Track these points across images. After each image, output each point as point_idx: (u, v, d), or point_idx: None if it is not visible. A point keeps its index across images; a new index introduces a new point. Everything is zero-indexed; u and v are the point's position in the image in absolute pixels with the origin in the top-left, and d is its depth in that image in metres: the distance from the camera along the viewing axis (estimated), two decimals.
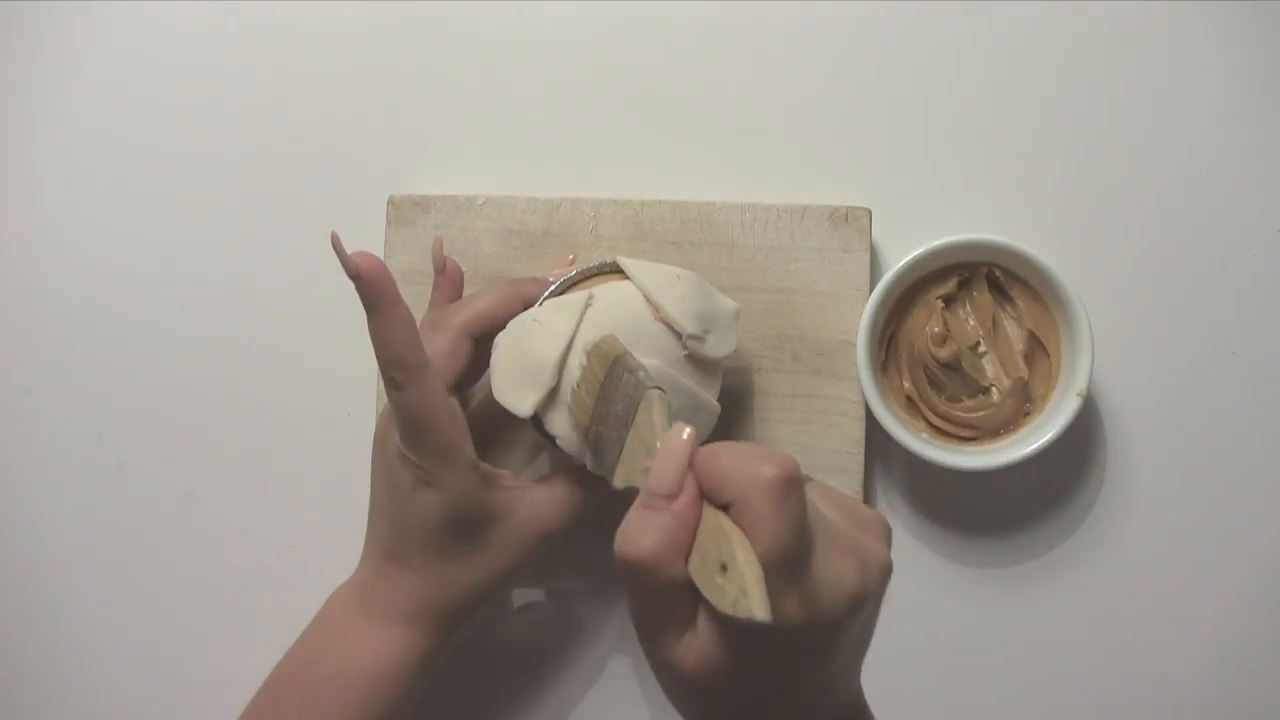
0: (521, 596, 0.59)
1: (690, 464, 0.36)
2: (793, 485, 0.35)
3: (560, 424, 0.49)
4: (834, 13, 0.60)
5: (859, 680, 0.41)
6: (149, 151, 0.61)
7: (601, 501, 0.51)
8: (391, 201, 0.57)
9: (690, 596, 0.36)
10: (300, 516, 0.59)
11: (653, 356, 0.49)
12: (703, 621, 0.36)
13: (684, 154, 0.60)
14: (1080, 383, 0.53)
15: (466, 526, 0.48)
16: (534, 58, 0.60)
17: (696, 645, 0.36)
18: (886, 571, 0.37)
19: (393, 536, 0.49)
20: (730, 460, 0.36)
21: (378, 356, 0.46)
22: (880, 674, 0.58)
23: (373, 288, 0.45)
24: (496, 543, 0.48)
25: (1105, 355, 0.56)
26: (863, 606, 0.36)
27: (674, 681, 0.37)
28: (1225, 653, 0.57)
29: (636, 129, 0.60)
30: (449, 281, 0.53)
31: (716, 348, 0.50)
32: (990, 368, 0.56)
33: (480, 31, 0.60)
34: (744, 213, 0.56)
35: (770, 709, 0.37)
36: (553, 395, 0.49)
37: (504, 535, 0.48)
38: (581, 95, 0.60)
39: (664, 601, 0.36)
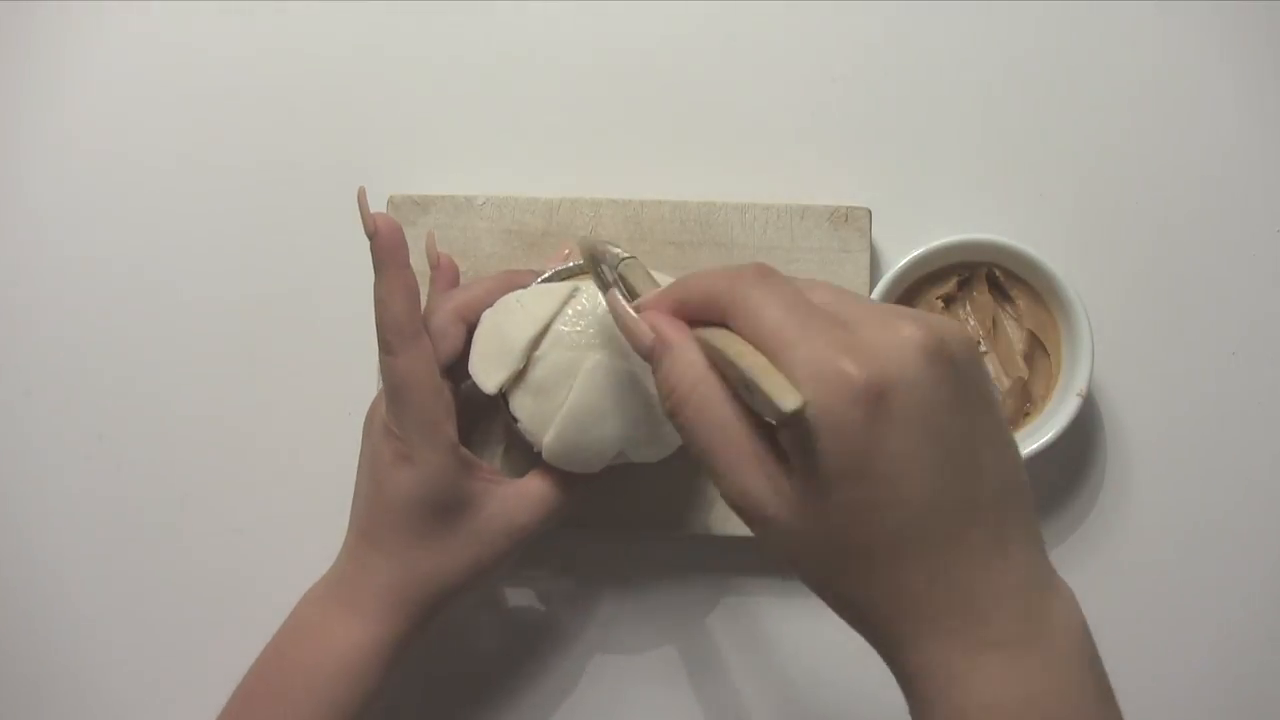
0: (505, 597, 0.59)
1: (677, 306, 0.38)
2: (764, 273, 0.35)
3: (523, 407, 0.50)
4: (834, 13, 0.60)
5: (1014, 469, 0.36)
6: (148, 153, 0.61)
7: (578, 503, 0.52)
8: (391, 201, 0.57)
9: (756, 437, 0.35)
10: (298, 517, 0.59)
11: (628, 358, 0.49)
12: (786, 462, 0.34)
13: (684, 154, 0.60)
14: (1080, 383, 0.53)
15: (439, 510, 0.48)
16: (534, 58, 0.60)
17: (788, 484, 0.34)
18: (957, 332, 0.34)
19: (368, 515, 0.49)
20: (703, 282, 0.37)
21: (377, 318, 0.47)
22: (880, 673, 0.58)
23: (385, 247, 0.47)
24: (467, 533, 0.49)
25: (1105, 355, 0.56)
26: (937, 356, 0.33)
27: (795, 531, 0.34)
28: (1225, 653, 0.57)
29: (636, 129, 0.60)
30: (443, 275, 0.54)
31: None
32: (990, 368, 0.56)
33: (480, 32, 0.60)
34: (744, 213, 0.57)
35: (893, 507, 0.33)
36: (520, 377, 0.49)
37: (475, 526, 0.49)
38: (581, 95, 0.60)
39: (747, 435, 0.35)
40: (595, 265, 0.46)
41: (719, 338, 0.35)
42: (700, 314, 0.37)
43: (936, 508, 0.33)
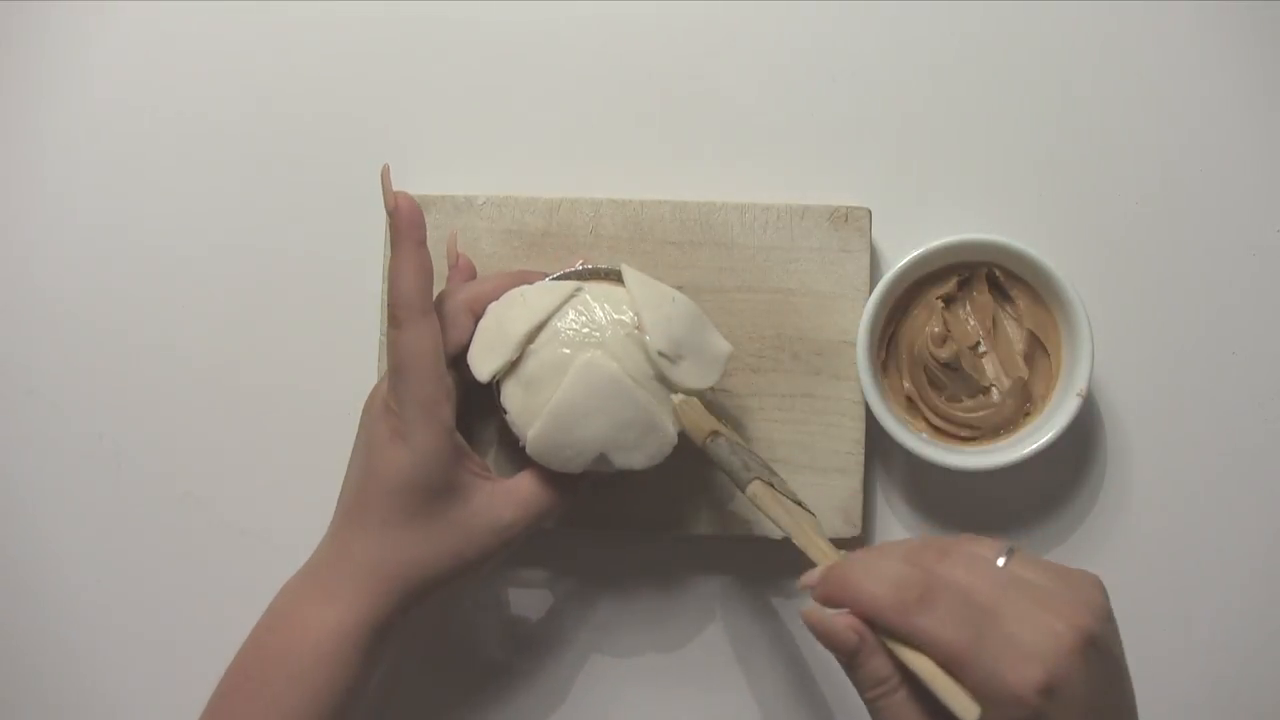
0: (503, 598, 0.59)
1: (838, 604, 0.41)
2: (927, 594, 0.39)
3: (513, 398, 0.50)
4: (834, 13, 0.60)
5: None
6: (148, 151, 0.61)
7: (567, 506, 0.52)
8: None
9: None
10: (300, 516, 0.59)
11: (621, 361, 0.49)
12: None
13: (684, 154, 0.60)
14: (1080, 383, 0.53)
15: (428, 493, 0.48)
16: (534, 58, 0.60)
17: None
18: (1101, 612, 0.40)
19: (356, 493, 0.49)
20: (867, 592, 0.40)
21: (389, 293, 0.48)
22: None
23: (404, 223, 0.48)
24: (451, 522, 0.49)
25: (1105, 355, 0.56)
26: (1087, 649, 0.38)
27: None
28: (1225, 653, 0.57)
29: (636, 129, 0.60)
30: (460, 273, 0.55)
31: (686, 376, 0.50)
32: (990, 368, 0.56)
33: (481, 31, 0.60)
34: (744, 213, 0.57)
35: None
36: (513, 368, 0.50)
37: (461, 517, 0.49)
38: (581, 95, 0.60)
39: None
40: (708, 450, 0.49)
41: (904, 654, 0.39)
42: (869, 620, 0.40)
43: None
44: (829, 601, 0.41)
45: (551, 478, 0.51)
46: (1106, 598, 0.41)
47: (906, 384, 0.56)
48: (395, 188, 0.58)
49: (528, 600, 0.59)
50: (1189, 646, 0.57)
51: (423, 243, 0.49)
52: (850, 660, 0.41)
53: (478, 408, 0.54)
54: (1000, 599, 0.39)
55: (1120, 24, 0.59)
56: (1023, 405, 0.55)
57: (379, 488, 0.48)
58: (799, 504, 0.48)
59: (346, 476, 0.51)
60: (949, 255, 0.54)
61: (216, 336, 0.60)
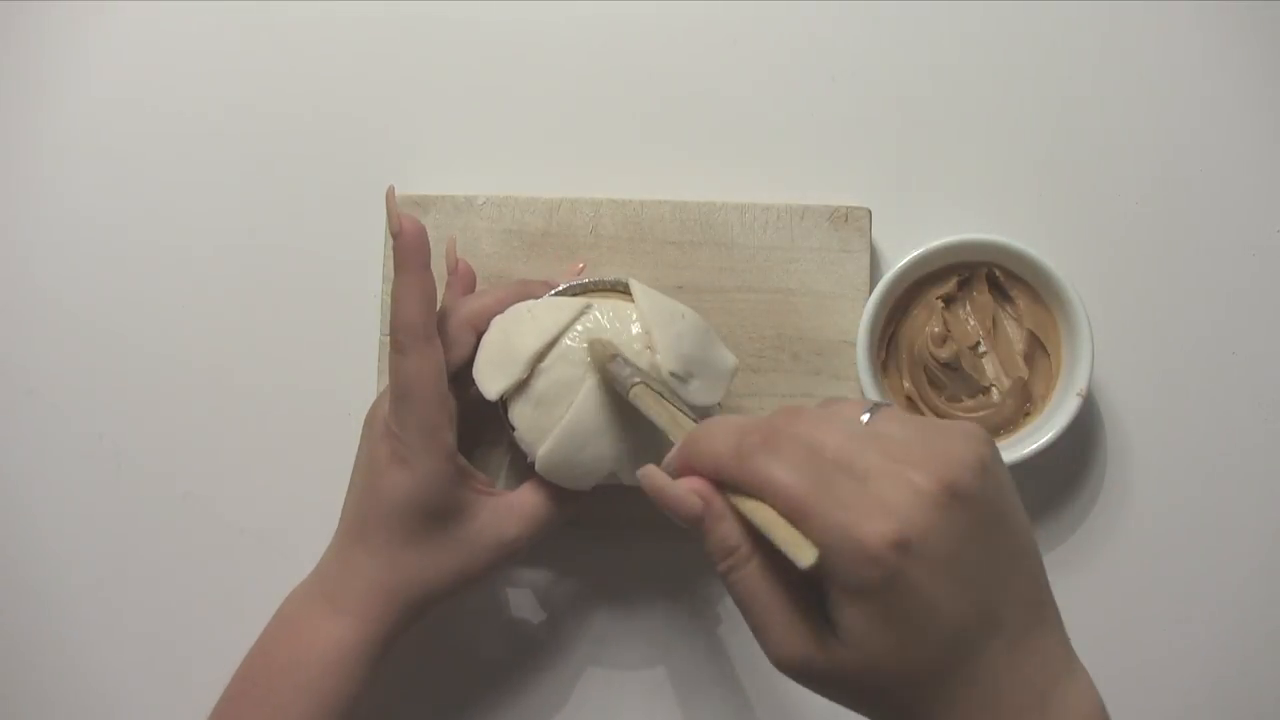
0: (502, 600, 0.59)
1: (689, 471, 0.38)
2: (769, 438, 0.36)
3: (522, 416, 0.50)
4: (834, 12, 0.60)
5: (1034, 572, 0.38)
6: (148, 151, 0.61)
7: (569, 519, 0.52)
8: None
9: (793, 600, 0.37)
10: (300, 516, 0.59)
11: None
12: (829, 609, 0.36)
13: (684, 154, 0.60)
14: (1080, 383, 0.53)
15: (431, 515, 0.48)
16: (534, 58, 0.60)
17: (819, 641, 0.36)
18: (967, 463, 0.35)
19: (359, 514, 0.49)
20: (710, 449, 0.37)
21: (392, 317, 0.48)
22: None
23: (408, 247, 0.48)
24: (456, 541, 0.49)
25: (1105, 355, 0.56)
26: (950, 502, 0.34)
27: (849, 680, 0.36)
28: (1225, 653, 0.57)
29: (636, 129, 0.60)
30: (460, 280, 0.55)
31: (698, 394, 0.50)
32: (990, 368, 0.56)
33: (481, 31, 0.60)
34: (744, 213, 0.57)
35: (938, 635, 0.35)
36: (522, 387, 0.49)
37: (465, 535, 0.49)
38: (582, 95, 0.60)
39: (781, 603, 0.37)
40: (606, 372, 0.47)
41: (743, 505, 0.36)
42: (714, 477, 0.38)
43: (960, 633, 0.35)
44: (681, 471, 0.38)
45: (554, 489, 0.51)
46: (984, 446, 0.36)
47: (906, 384, 0.56)
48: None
49: (529, 602, 0.59)
50: (1189, 646, 0.57)
51: (426, 266, 0.48)
52: (700, 530, 0.38)
53: (481, 418, 0.54)
54: (855, 452, 0.35)
55: (1120, 24, 0.59)
56: (1023, 405, 0.55)
57: (381, 510, 0.48)
58: (686, 414, 0.44)
59: (349, 493, 0.51)
60: (949, 255, 0.55)
61: (216, 336, 0.60)
